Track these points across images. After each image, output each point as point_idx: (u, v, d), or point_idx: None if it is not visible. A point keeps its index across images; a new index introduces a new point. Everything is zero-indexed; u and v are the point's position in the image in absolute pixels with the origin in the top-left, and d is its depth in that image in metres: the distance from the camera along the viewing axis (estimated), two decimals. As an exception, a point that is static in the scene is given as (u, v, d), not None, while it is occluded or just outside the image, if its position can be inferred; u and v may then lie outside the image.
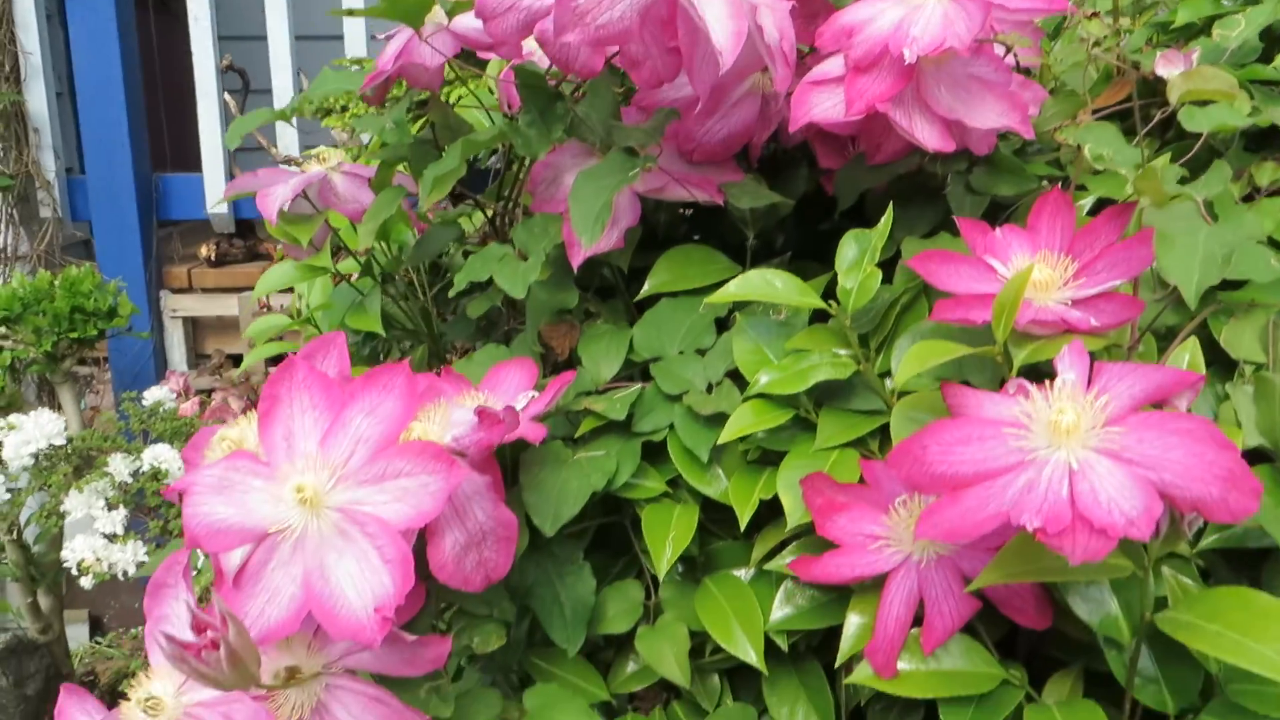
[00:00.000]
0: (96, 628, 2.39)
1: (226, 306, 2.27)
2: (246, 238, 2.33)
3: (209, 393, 1.89)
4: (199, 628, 0.58)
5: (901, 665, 0.60)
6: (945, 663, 0.60)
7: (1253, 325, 0.65)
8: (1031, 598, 0.59)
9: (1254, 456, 0.59)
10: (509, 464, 0.74)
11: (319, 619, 0.59)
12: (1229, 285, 0.69)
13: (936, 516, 0.48)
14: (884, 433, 0.70)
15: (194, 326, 2.34)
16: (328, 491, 0.61)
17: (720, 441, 0.68)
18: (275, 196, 0.91)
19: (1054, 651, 0.67)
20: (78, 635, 2.31)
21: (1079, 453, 0.47)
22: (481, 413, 0.59)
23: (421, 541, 0.64)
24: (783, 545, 0.72)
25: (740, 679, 0.82)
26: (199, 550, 0.65)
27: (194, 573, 0.77)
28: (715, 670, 0.81)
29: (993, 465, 0.49)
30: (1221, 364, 0.67)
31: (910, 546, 0.60)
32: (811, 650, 0.79)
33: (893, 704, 0.79)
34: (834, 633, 0.77)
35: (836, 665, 0.64)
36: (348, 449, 0.62)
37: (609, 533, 0.83)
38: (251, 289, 2.23)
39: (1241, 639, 0.49)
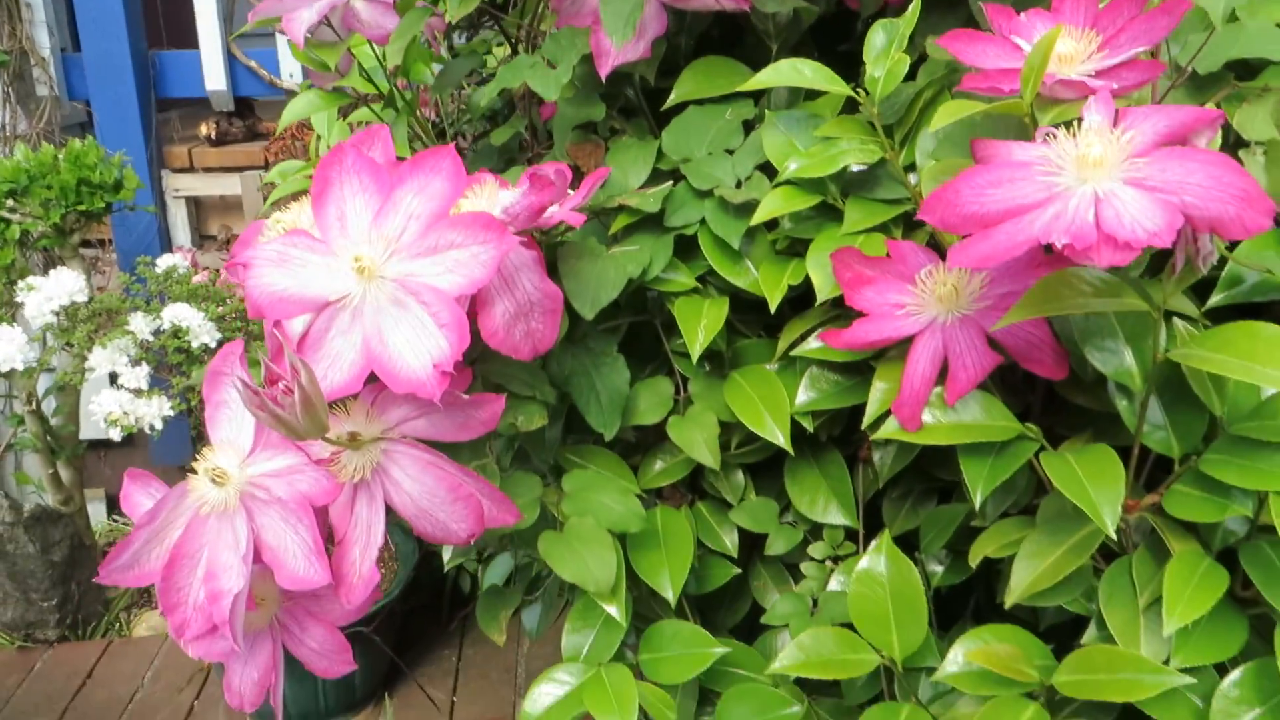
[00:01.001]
0: (114, 508, 2.44)
1: (229, 186, 2.27)
2: (246, 117, 2.32)
3: (217, 271, 1.91)
4: (271, 379, 0.61)
5: (925, 418, 0.64)
6: (965, 416, 0.64)
7: (1265, 108, 0.67)
8: (1049, 350, 0.63)
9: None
10: (549, 262, 0.77)
11: (381, 376, 0.62)
12: (1243, 75, 0.71)
13: (969, 248, 0.51)
14: (907, 220, 0.73)
15: (197, 207, 2.34)
16: (383, 263, 0.64)
17: (752, 223, 0.71)
18: (300, 19, 0.92)
19: (1064, 431, 0.72)
20: (96, 513, 2.37)
21: (1105, 184, 0.51)
22: (532, 176, 0.62)
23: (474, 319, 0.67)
24: (806, 335, 0.76)
25: (763, 476, 0.87)
26: (262, 319, 0.68)
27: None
28: (739, 466, 0.86)
29: (1022, 201, 0.52)
30: (1232, 150, 0.70)
31: (935, 310, 0.64)
32: (833, 440, 0.83)
33: (909, 491, 0.84)
34: (853, 425, 0.82)
35: (864, 425, 0.68)
36: (400, 225, 0.65)
37: (640, 339, 0.87)
38: (253, 169, 2.23)
39: (1249, 363, 0.53)
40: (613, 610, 0.75)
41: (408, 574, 1.75)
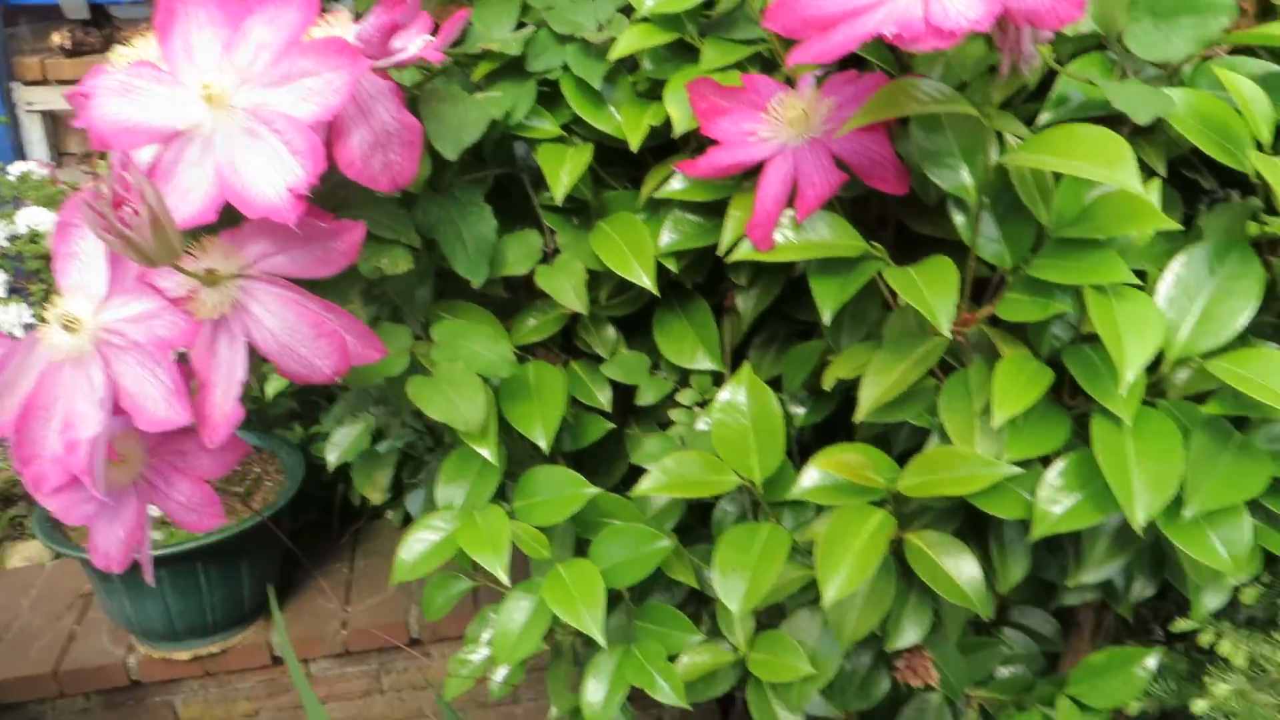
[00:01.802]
0: (-22, 442, 2.33)
1: (88, 100, 2.15)
2: (103, 27, 2.20)
3: (75, 185, 1.82)
4: (117, 202, 0.60)
5: (776, 239, 0.67)
6: (813, 236, 0.67)
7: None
8: (891, 167, 0.66)
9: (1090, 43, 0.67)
10: (410, 104, 0.76)
11: (236, 204, 0.61)
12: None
13: (810, 46, 0.53)
14: (762, 60, 0.75)
15: (54, 122, 2.22)
16: (234, 92, 0.63)
17: (611, 57, 0.72)
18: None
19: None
20: (-41, 448, 2.26)
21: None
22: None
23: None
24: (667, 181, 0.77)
25: (634, 336, 0.89)
26: (107, 150, 0.66)
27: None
28: (609, 320, 0.88)
29: (857, 4, 0.54)
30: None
31: (786, 135, 0.66)
32: (699, 290, 0.86)
33: (773, 337, 0.88)
34: (717, 274, 0.84)
35: (719, 252, 0.70)
36: (251, 55, 0.64)
37: (510, 197, 0.87)
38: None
39: (1070, 160, 0.57)
40: (485, 452, 0.76)
41: (295, 487, 1.73)
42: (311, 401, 1.90)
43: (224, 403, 0.67)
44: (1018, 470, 0.64)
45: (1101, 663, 0.88)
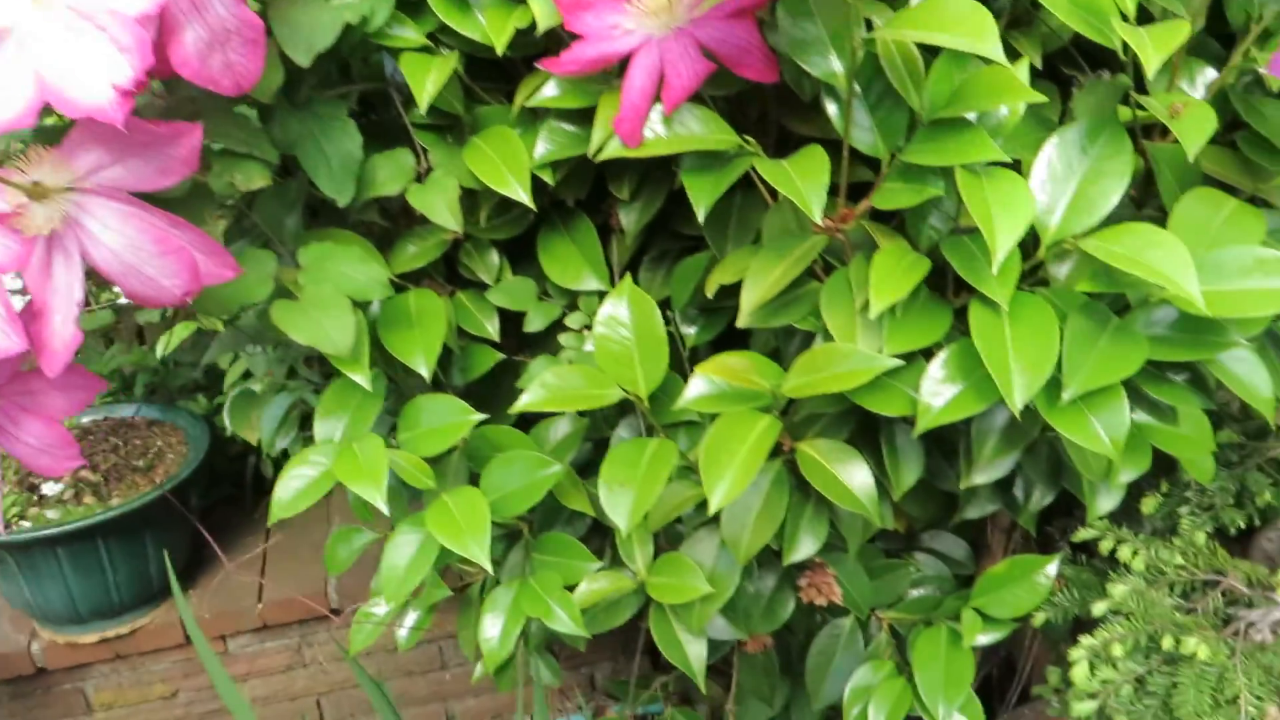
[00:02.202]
0: None
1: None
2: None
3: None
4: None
5: (646, 135, 0.64)
6: (684, 130, 0.64)
7: None
8: (759, 53, 0.63)
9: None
10: (261, 13, 0.72)
11: (58, 106, 0.57)
12: None
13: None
14: (631, -42, 0.72)
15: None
16: (51, -13, 0.58)
17: (468, -47, 0.69)
18: None
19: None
20: None
21: None
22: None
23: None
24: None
25: (520, 256, 0.86)
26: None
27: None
28: (492, 243, 0.85)
29: None
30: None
31: (651, 27, 0.63)
32: (582, 208, 0.83)
33: (663, 254, 0.85)
34: (600, 192, 0.82)
35: (589, 153, 0.68)
36: (68, -52, 0.59)
37: (382, 119, 0.84)
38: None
39: (934, 32, 0.55)
40: (359, 379, 0.72)
41: (199, 458, 1.67)
42: (217, 373, 1.83)
43: (63, 328, 0.63)
44: (898, 363, 0.62)
45: (1004, 573, 0.88)
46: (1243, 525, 1.02)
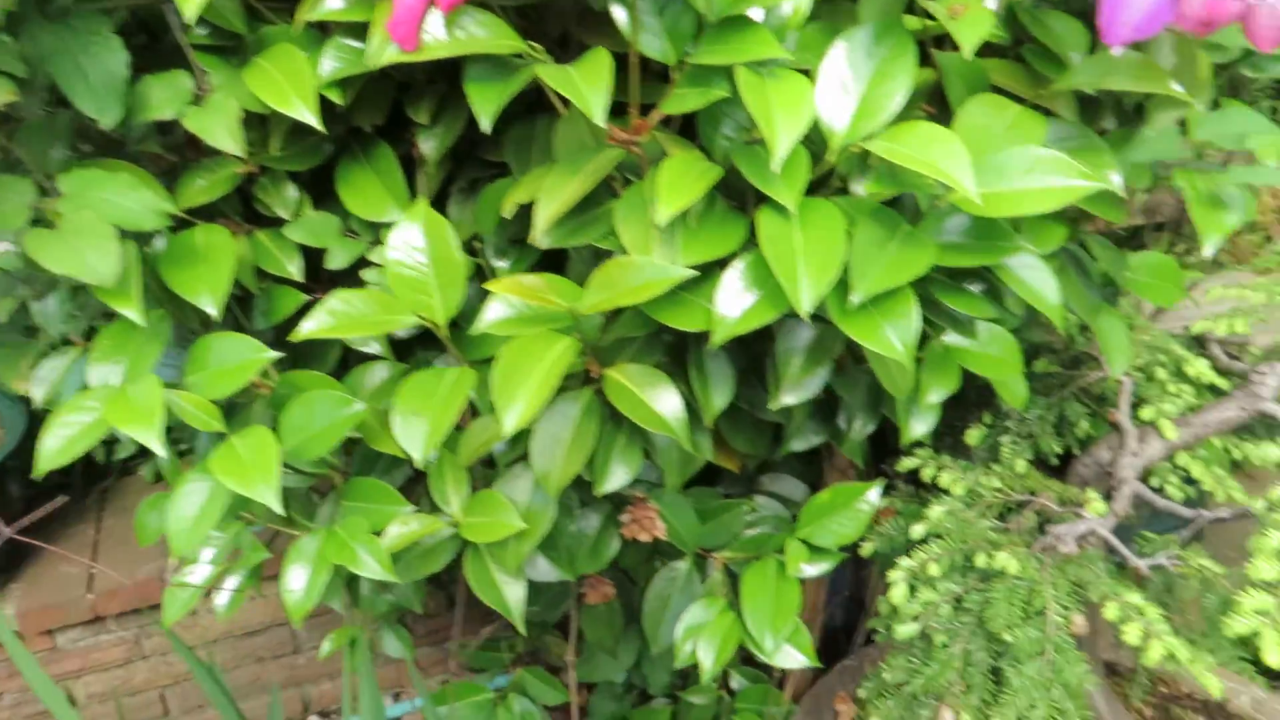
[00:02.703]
0: None
1: None
2: None
3: None
4: None
5: (424, 39, 0.61)
6: (464, 34, 0.61)
7: None
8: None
9: None
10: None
11: None
12: None
13: None
14: None
15: None
16: None
17: None
18: None
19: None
20: None
21: None
22: None
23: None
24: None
25: (323, 193, 0.82)
26: None
27: None
28: (288, 176, 0.80)
29: None
30: None
31: (426, -75, 0.60)
32: (381, 136, 0.79)
33: (474, 183, 0.82)
34: (399, 119, 0.78)
35: (366, 61, 0.64)
36: None
37: (158, 39, 0.78)
38: None
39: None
40: (129, 313, 0.67)
41: (15, 442, 1.56)
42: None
43: None
44: (692, 273, 0.61)
45: (827, 501, 0.89)
46: (1059, 451, 1.06)
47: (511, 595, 0.78)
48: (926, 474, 0.95)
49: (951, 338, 0.82)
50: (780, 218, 0.59)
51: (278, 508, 0.67)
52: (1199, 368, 1.10)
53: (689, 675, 1.38)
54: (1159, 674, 1.25)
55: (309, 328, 0.65)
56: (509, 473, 0.77)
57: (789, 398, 0.72)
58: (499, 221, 0.75)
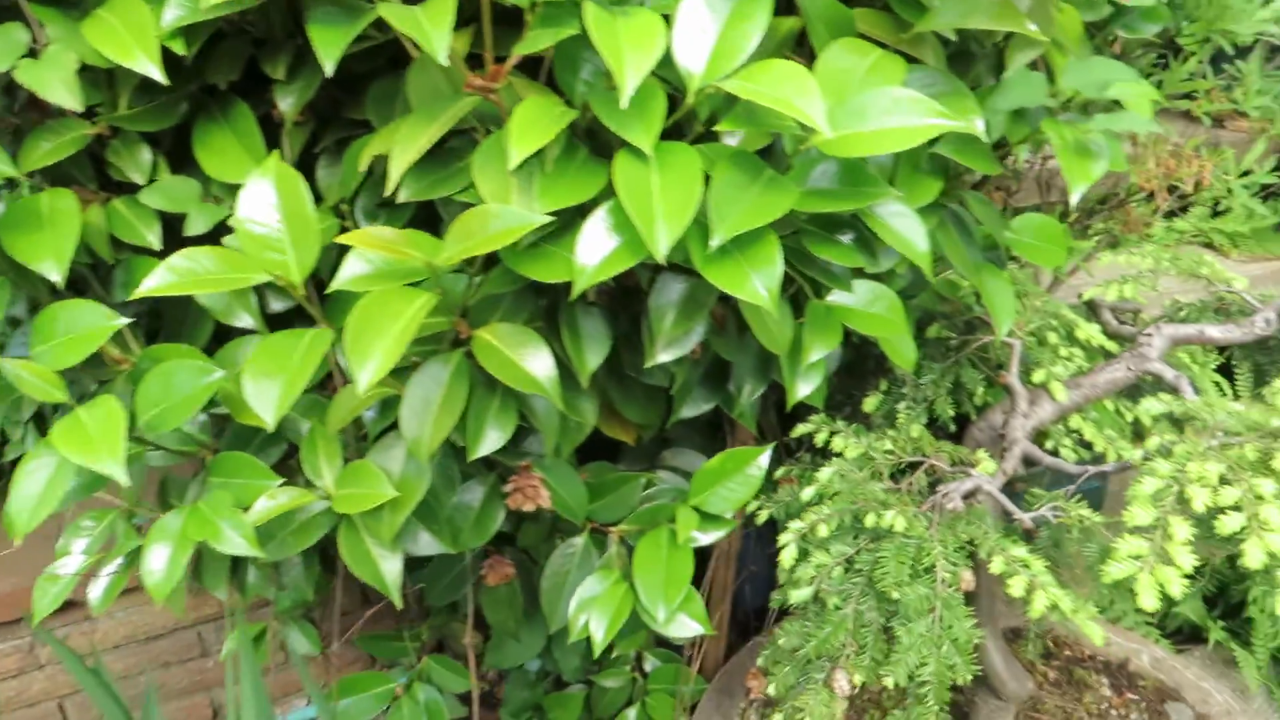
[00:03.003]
0: None
1: None
2: None
3: None
4: None
5: (261, -22, 0.58)
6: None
7: None
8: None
9: None
10: None
11: None
12: None
13: None
14: None
15: None
16: None
17: None
18: None
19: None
20: None
21: None
22: None
23: None
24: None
25: (182, 158, 0.78)
26: None
27: None
28: (140, 138, 0.77)
29: None
30: None
31: None
32: (238, 92, 0.76)
33: (340, 143, 0.79)
34: (255, 75, 0.75)
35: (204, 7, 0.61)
36: None
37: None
38: None
39: None
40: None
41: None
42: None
43: None
44: (550, 219, 0.59)
45: (718, 467, 0.87)
46: (954, 414, 1.06)
47: (388, 569, 0.75)
48: (820, 439, 0.95)
49: (835, 297, 0.81)
50: (637, 161, 0.58)
51: (124, 480, 0.63)
52: (1089, 332, 1.12)
53: (603, 659, 1.36)
54: (1063, 638, 1.27)
55: (150, 284, 0.62)
56: (382, 443, 0.74)
57: (665, 354, 0.71)
58: (364, 182, 0.73)
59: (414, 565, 1.17)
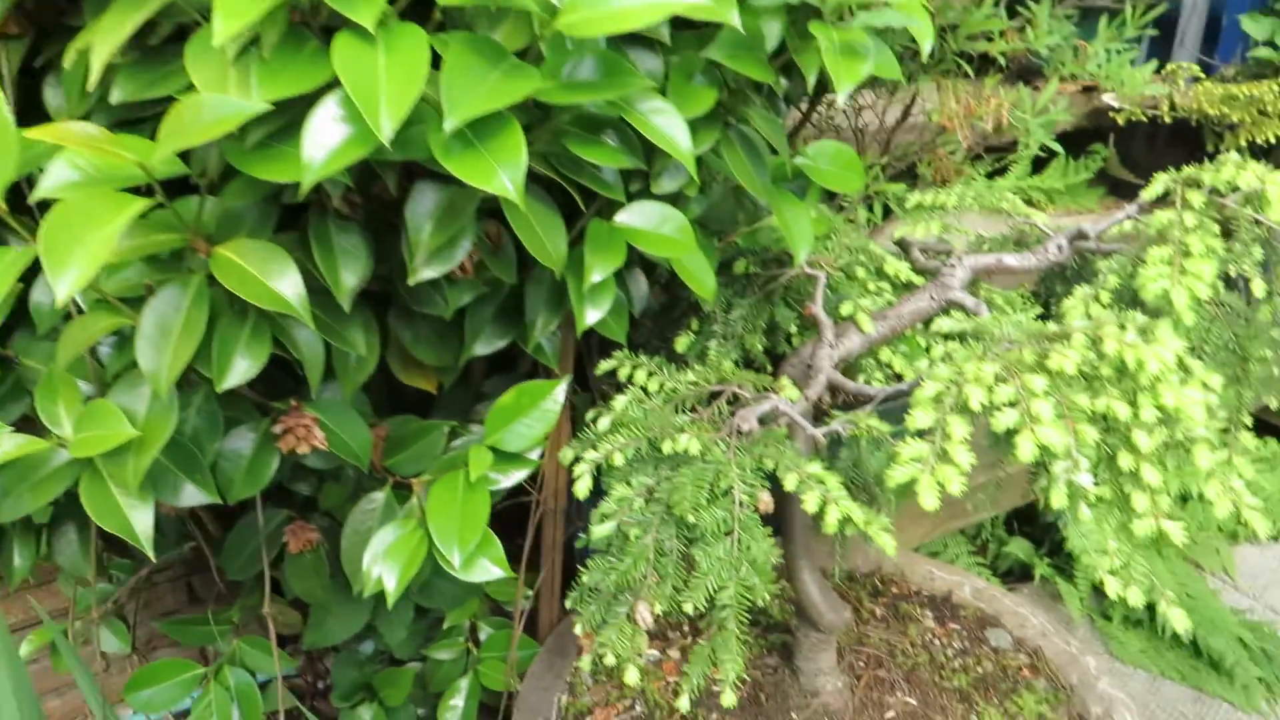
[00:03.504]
0: None
1: None
2: None
3: None
4: None
5: None
6: None
7: None
8: None
9: None
10: None
11: None
12: None
13: None
14: None
15: None
16: None
17: None
18: None
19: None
20: None
21: None
22: None
23: None
24: None
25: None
26: None
27: None
28: None
29: None
30: None
31: None
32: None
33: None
34: None
35: None
36: None
37: None
38: None
39: None
40: None
41: None
42: None
43: None
44: (266, 107, 0.54)
45: (512, 402, 0.84)
46: (764, 348, 1.06)
47: (138, 520, 0.69)
48: (623, 373, 0.92)
49: (621, 216, 0.79)
50: (360, 41, 0.54)
51: None
52: (897, 267, 1.13)
53: (435, 633, 1.31)
54: (891, 576, 1.28)
55: None
56: (123, 381, 0.68)
57: (428, 270, 0.67)
58: (97, 103, 0.66)
59: (214, 541, 1.10)
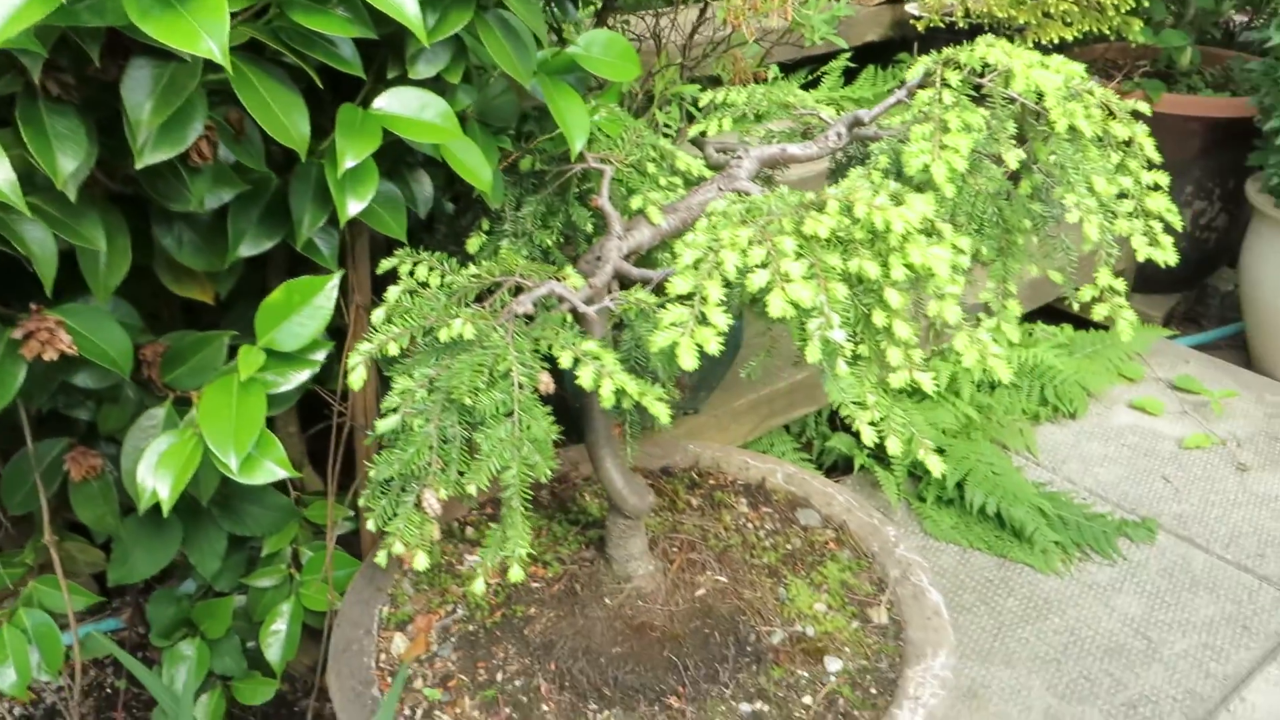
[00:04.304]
0: None
1: None
2: None
3: None
4: None
5: None
6: None
7: None
8: None
9: None
10: None
11: None
12: None
13: None
14: None
15: None
16: None
17: None
18: None
19: None
20: None
21: None
22: None
23: None
24: None
25: None
26: None
27: None
28: None
29: None
30: None
31: None
32: None
33: None
34: None
35: None
36: None
37: None
38: None
39: None
40: None
41: None
42: None
43: None
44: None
45: (283, 300, 0.82)
46: (552, 243, 1.07)
47: None
48: (404, 269, 0.91)
49: (379, 102, 0.77)
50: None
51: None
52: (689, 162, 1.15)
53: (256, 561, 1.29)
54: (707, 469, 1.32)
55: None
56: None
57: (154, 154, 0.64)
58: None
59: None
